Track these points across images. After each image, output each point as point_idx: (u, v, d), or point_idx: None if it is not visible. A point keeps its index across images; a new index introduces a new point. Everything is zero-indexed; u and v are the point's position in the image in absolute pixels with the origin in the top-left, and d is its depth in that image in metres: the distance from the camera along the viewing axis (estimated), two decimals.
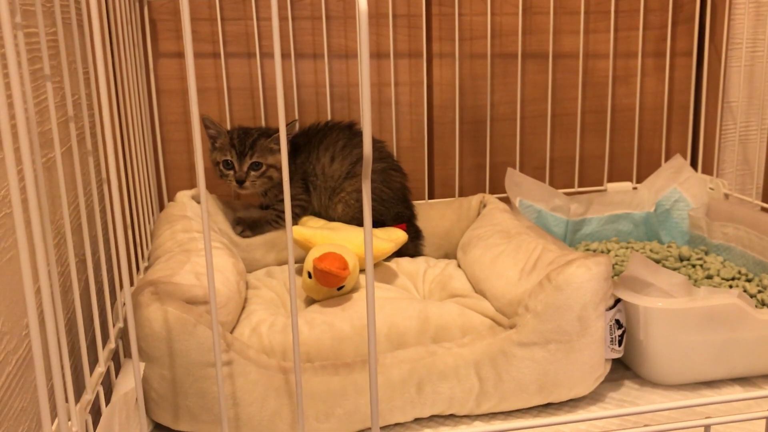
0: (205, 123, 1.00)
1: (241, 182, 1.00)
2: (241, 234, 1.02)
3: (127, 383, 0.71)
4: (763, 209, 1.13)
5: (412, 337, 0.77)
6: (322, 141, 1.04)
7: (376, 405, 0.43)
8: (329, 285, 0.85)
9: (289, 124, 1.01)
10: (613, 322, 0.75)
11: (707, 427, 0.51)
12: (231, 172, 1.00)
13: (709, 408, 0.73)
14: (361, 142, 1.04)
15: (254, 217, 1.05)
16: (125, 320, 0.81)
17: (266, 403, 0.69)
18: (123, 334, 0.81)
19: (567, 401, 0.76)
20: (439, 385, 0.71)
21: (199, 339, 0.66)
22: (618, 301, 0.76)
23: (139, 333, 0.67)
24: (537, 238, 0.90)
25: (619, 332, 0.75)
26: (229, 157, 0.99)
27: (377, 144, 1.07)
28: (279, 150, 1.01)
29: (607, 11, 1.22)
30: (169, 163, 1.15)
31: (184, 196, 1.01)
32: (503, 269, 0.86)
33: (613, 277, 0.77)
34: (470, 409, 0.73)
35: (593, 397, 0.77)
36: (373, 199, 1.03)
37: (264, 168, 1.00)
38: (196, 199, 1.03)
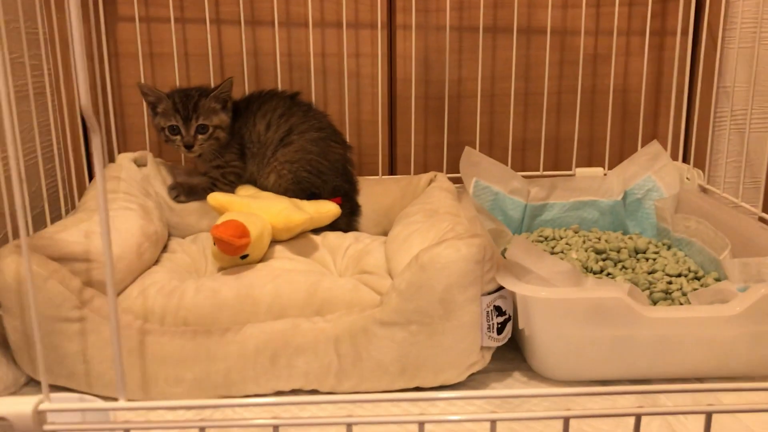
0: (143, 90, 0.99)
1: (190, 147, 0.99)
2: (175, 199, 1.02)
3: None
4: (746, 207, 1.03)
5: (296, 310, 0.75)
6: (261, 107, 1.02)
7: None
8: (227, 253, 0.84)
9: (225, 81, 0.99)
10: (492, 308, 0.71)
11: (566, 420, 0.47)
12: (178, 137, 0.99)
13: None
14: (299, 111, 1.02)
15: (192, 183, 1.05)
16: None
17: None
18: None
19: (439, 387, 0.72)
20: (294, 358, 0.69)
21: (49, 294, 0.67)
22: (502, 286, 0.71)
23: None
24: (455, 217, 0.86)
25: (500, 320, 0.71)
26: (174, 122, 0.98)
27: (318, 114, 1.04)
28: (221, 109, 1.00)
29: None
30: (128, 127, 1.17)
31: (124, 158, 1.02)
32: (410, 247, 0.83)
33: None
34: (331, 386, 0.71)
35: (471, 386, 0.73)
36: (309, 171, 1.02)
37: (211, 130, 0.99)
38: (138, 161, 1.04)
